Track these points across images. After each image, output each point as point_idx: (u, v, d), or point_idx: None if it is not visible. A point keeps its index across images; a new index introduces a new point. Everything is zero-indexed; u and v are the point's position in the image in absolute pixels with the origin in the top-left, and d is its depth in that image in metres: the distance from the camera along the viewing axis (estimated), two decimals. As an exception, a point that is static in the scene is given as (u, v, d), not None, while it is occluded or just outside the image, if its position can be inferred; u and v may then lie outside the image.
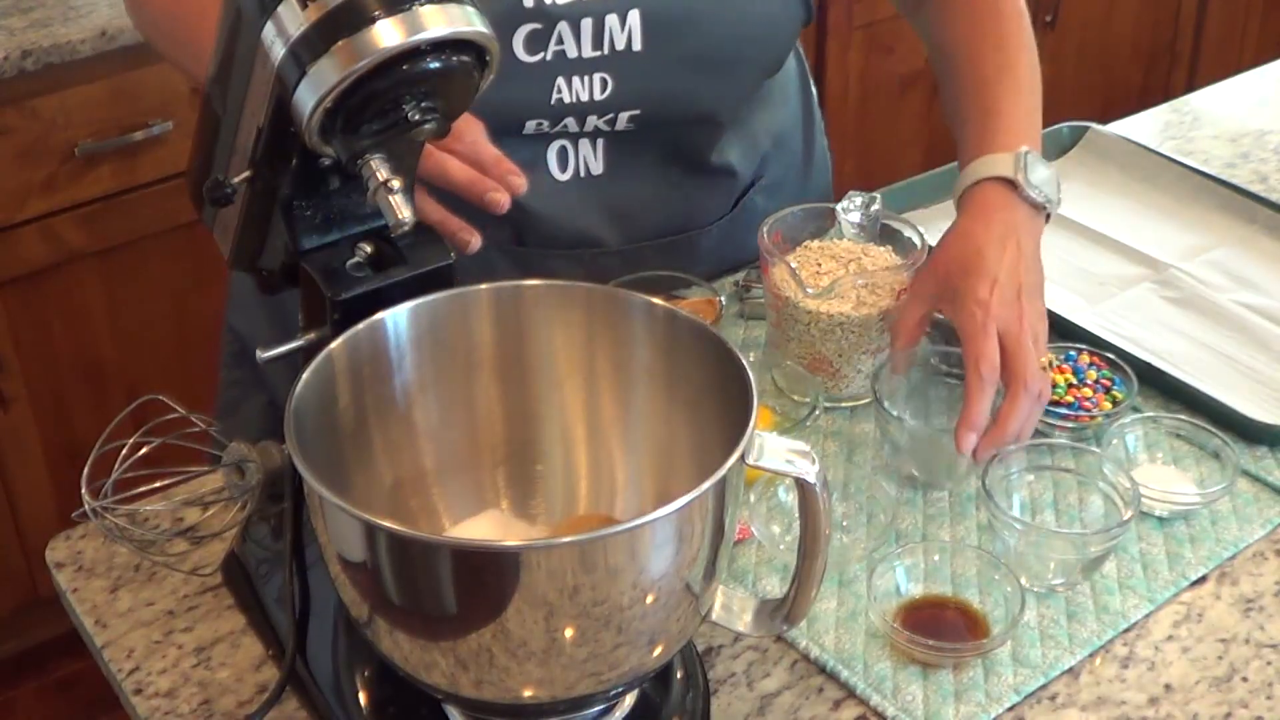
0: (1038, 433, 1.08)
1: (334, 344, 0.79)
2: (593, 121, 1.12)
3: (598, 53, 1.09)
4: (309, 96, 0.75)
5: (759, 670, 0.91)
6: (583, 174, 1.16)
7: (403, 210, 0.78)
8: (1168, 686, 0.90)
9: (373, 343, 0.82)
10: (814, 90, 1.36)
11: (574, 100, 1.10)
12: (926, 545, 0.96)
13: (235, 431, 1.02)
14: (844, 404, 1.12)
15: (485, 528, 0.88)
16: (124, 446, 0.98)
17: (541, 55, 1.08)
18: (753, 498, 0.98)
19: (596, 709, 0.81)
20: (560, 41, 1.08)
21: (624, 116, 1.13)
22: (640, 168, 1.18)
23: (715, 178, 1.24)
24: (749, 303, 1.23)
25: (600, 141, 1.15)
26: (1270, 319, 1.22)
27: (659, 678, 0.86)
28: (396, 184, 0.79)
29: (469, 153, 0.98)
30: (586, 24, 1.07)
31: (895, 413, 1.04)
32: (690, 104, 1.16)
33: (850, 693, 0.89)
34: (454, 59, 0.76)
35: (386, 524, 0.69)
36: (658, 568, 0.71)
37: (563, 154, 1.15)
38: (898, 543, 0.99)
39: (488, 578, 0.69)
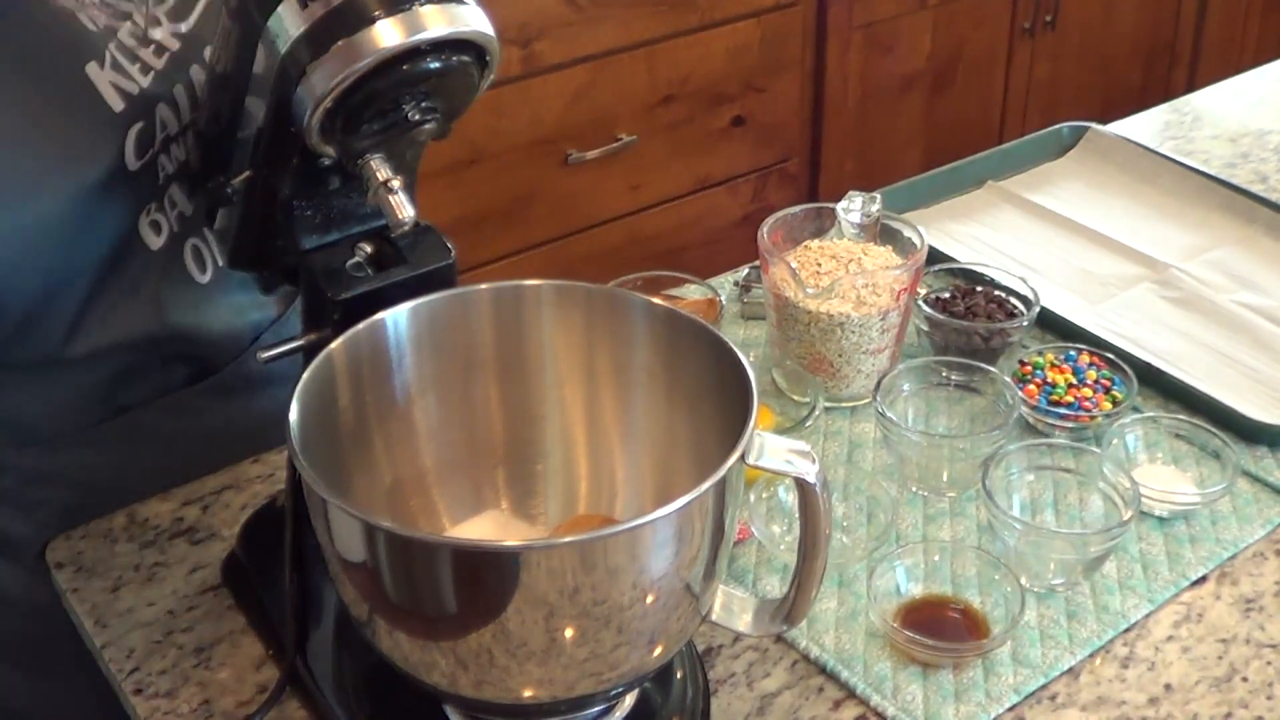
0: (1038, 433, 1.08)
1: (334, 344, 0.79)
2: None
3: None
4: (309, 96, 0.75)
5: (759, 670, 0.91)
6: (221, 264, 0.99)
7: (403, 210, 0.78)
8: (1168, 686, 0.90)
9: (373, 343, 0.82)
10: None
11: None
12: (926, 545, 0.96)
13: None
14: (844, 404, 1.12)
15: (485, 528, 0.88)
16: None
17: (150, 151, 0.92)
18: (753, 498, 0.98)
19: (596, 709, 0.81)
20: (164, 127, 0.92)
21: None
22: None
23: None
24: (749, 303, 1.23)
25: None
26: (1270, 319, 1.22)
27: (659, 678, 0.86)
28: (396, 184, 0.79)
29: None
30: (179, 90, 0.93)
31: (895, 418, 1.04)
32: None
33: (850, 693, 0.89)
34: (454, 59, 0.76)
35: (386, 524, 0.69)
36: (658, 568, 0.71)
37: (197, 254, 0.99)
38: (898, 543, 0.99)
39: (488, 578, 0.69)
